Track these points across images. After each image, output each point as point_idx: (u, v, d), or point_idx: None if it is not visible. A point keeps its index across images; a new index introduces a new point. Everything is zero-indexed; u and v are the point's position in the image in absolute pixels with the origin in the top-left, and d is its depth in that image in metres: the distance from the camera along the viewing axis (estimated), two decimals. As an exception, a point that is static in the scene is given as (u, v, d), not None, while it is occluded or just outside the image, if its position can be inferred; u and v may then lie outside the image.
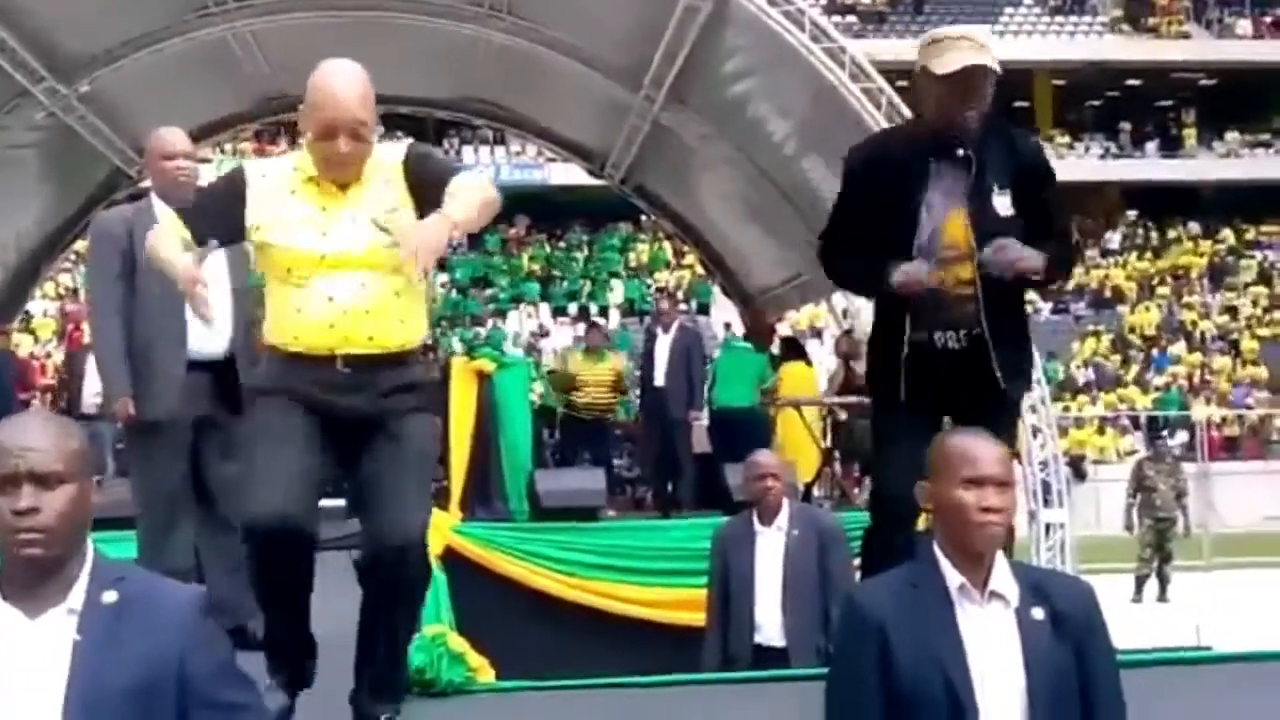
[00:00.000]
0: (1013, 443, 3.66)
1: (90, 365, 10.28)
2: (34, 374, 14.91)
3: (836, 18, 23.81)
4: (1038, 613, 2.34)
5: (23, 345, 18.79)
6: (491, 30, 10.33)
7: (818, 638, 4.73)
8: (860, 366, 10.63)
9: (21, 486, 1.91)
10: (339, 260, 3.20)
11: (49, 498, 1.92)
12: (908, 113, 8.98)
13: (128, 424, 4.50)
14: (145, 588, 2.03)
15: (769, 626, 4.93)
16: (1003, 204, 3.43)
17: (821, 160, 9.95)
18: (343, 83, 3.20)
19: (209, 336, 4.12)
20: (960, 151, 3.41)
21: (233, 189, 3.33)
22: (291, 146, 27.25)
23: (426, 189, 3.25)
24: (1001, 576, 2.37)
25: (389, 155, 3.36)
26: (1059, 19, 30.09)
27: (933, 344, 3.43)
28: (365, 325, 3.19)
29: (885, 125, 8.92)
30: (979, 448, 2.40)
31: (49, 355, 20.14)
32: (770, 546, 4.97)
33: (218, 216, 3.33)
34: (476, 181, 3.34)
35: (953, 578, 2.35)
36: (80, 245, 18.91)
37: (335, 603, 3.57)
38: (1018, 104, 30.98)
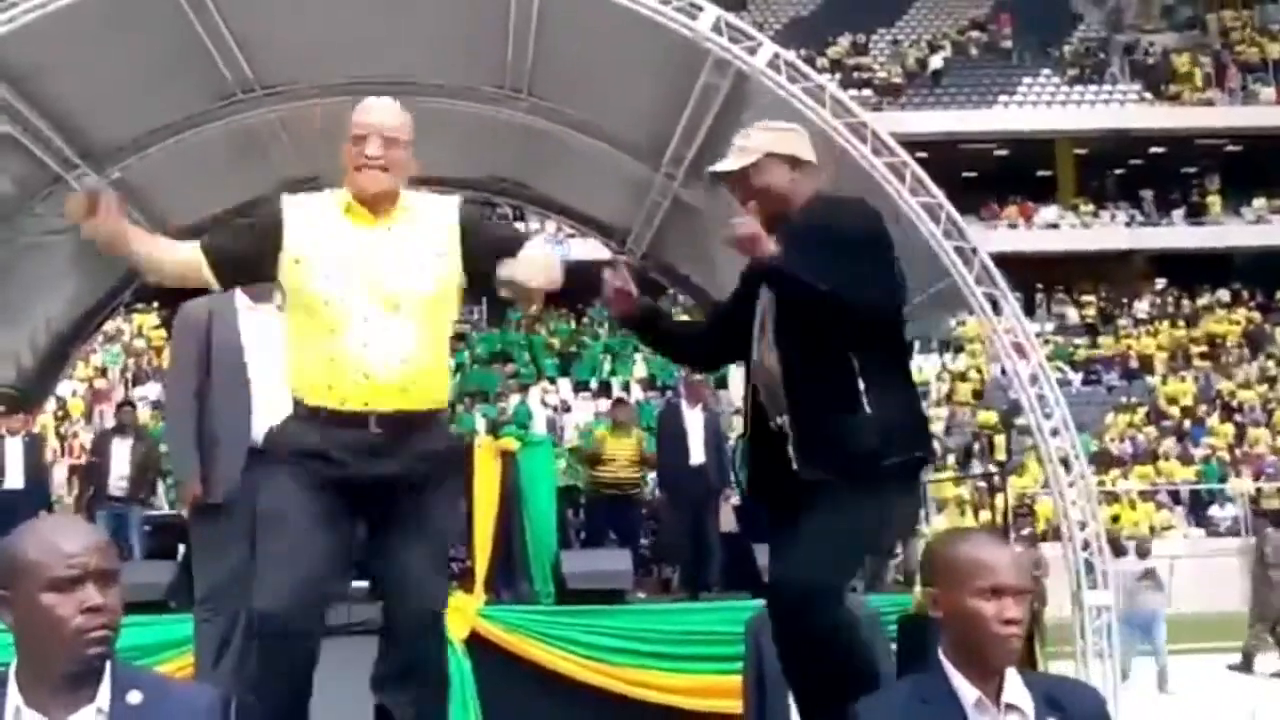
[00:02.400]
0: (844, 536, 3.32)
1: (117, 448, 10.35)
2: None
3: (852, 91, 24.04)
4: None
5: (49, 427, 18.87)
6: (512, 110, 10.44)
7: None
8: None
9: (87, 586, 1.96)
10: (380, 300, 3.14)
11: (109, 596, 1.99)
12: (932, 186, 9.04)
13: (194, 506, 4.58)
14: (165, 689, 2.06)
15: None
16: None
17: (845, 235, 9.95)
18: (378, 101, 3.46)
19: (273, 419, 4.13)
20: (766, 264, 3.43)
21: (270, 220, 3.29)
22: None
23: (481, 243, 3.23)
24: (1015, 687, 2.28)
25: (442, 202, 3.38)
26: (1079, 88, 30.22)
27: (768, 428, 3.47)
28: (400, 377, 3.12)
29: (909, 199, 8.94)
30: (996, 554, 2.29)
31: (76, 435, 20.21)
32: None
33: (252, 245, 3.28)
34: (552, 252, 3.38)
35: (967, 692, 2.25)
36: (109, 326, 19.10)
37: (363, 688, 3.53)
38: (1040, 173, 31.07)
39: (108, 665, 2.01)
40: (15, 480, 9.42)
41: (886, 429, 3.28)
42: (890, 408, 3.31)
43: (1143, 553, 13.12)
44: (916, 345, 25.28)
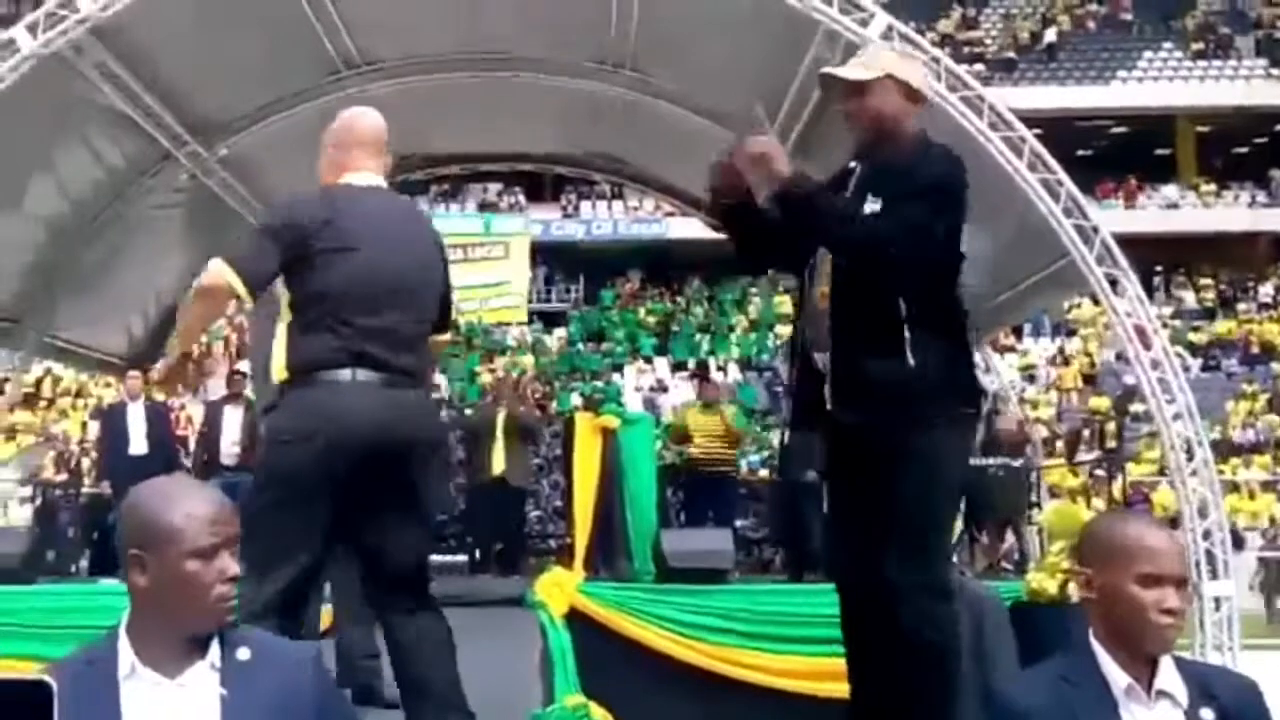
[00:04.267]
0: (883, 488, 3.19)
1: (228, 416, 10.51)
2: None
3: (963, 66, 23.44)
4: (1207, 714, 2.14)
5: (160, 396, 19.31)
6: (612, 85, 10.34)
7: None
8: (1002, 423, 10.28)
9: (224, 554, 2.05)
10: None
11: (237, 561, 2.09)
12: (1051, 162, 8.72)
13: None
14: (270, 644, 2.14)
15: None
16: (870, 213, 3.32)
17: (956, 211, 9.67)
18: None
19: None
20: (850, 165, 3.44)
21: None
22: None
23: None
24: (1168, 674, 2.17)
25: None
26: (1201, 63, 29.11)
27: (812, 366, 3.41)
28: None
29: (1027, 175, 8.63)
30: (1160, 540, 2.18)
31: (184, 407, 20.70)
32: None
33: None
34: None
35: (1117, 676, 2.15)
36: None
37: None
38: (1159, 151, 30.05)
39: None
40: (140, 446, 9.53)
41: (928, 382, 3.16)
42: (935, 362, 3.18)
43: (1239, 543, 12.57)
44: (1027, 329, 24.69)
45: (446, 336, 3.73)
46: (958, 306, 3.32)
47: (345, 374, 3.32)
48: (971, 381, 3.34)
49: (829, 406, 3.27)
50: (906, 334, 3.15)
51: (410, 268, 3.44)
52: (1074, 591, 7.08)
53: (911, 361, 3.14)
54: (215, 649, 2.04)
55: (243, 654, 2.05)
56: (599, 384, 23.13)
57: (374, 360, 3.33)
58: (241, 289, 3.37)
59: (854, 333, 3.25)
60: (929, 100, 3.47)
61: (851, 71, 3.42)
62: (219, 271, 3.37)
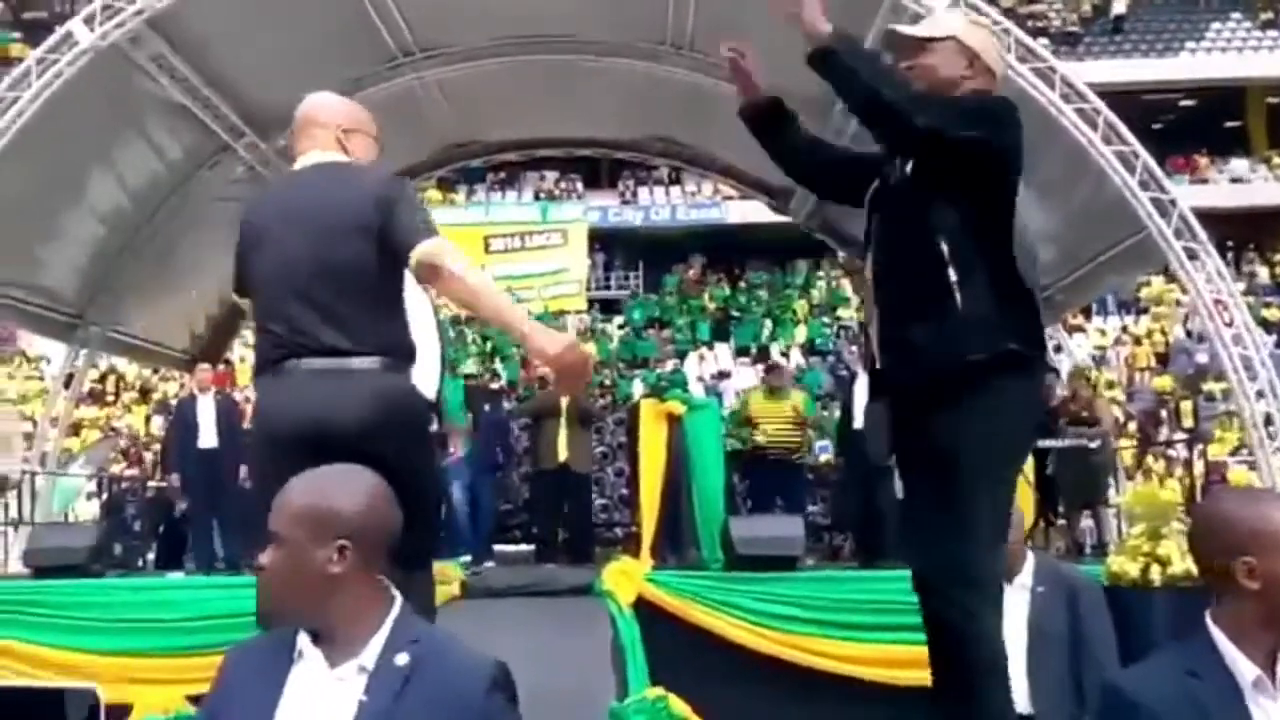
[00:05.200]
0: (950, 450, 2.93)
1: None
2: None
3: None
4: None
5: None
6: (672, 67, 10.17)
7: (1070, 707, 4.20)
8: (1073, 406, 9.99)
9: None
10: None
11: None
12: (1127, 134, 8.44)
13: None
14: (440, 652, 1.99)
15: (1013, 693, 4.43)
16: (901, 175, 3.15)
17: (1027, 186, 9.35)
18: None
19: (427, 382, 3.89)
20: None
21: None
22: (470, 194, 28.06)
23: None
24: None
25: None
26: (1271, 33, 28.31)
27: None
28: None
29: (1101, 147, 8.37)
30: None
31: (248, 400, 20.89)
32: (1012, 605, 4.32)
33: None
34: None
35: (1245, 668, 2.03)
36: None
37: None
38: (1229, 124, 29.30)
39: (389, 618, 1.98)
40: (210, 439, 9.51)
41: (981, 322, 2.92)
42: (987, 301, 2.93)
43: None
44: (1094, 306, 24.17)
45: (433, 259, 3.09)
46: (1008, 248, 3.00)
47: (272, 370, 3.17)
48: (1032, 322, 3.00)
49: (880, 369, 3.10)
50: (952, 275, 2.94)
51: (317, 239, 3.14)
52: (1155, 577, 6.86)
53: (960, 302, 2.93)
54: (374, 648, 1.95)
55: (401, 659, 1.94)
56: (663, 370, 22.96)
57: (297, 349, 3.12)
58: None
59: (899, 286, 3.08)
60: (998, 74, 3.22)
61: (915, 28, 3.27)
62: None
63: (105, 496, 11.80)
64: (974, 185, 3.00)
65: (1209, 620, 2.10)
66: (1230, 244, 26.87)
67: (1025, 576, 4.45)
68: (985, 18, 8.31)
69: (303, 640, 1.99)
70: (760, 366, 20.93)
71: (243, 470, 9.63)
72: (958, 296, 2.94)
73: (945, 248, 2.97)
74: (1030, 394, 3.08)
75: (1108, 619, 4.45)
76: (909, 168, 3.15)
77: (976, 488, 2.92)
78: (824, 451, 12.07)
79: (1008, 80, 8.22)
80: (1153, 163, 8.49)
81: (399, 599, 2.03)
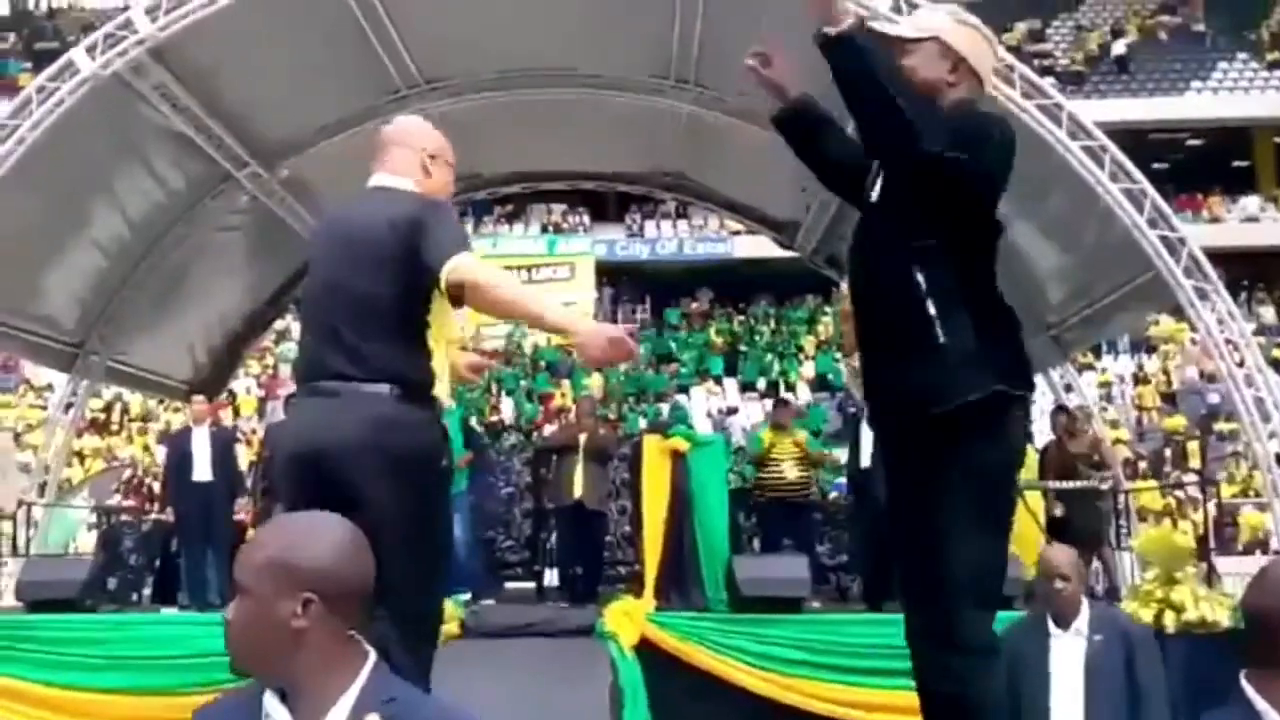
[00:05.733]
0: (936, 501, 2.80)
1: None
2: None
3: (1034, 80, 22.95)
4: None
5: (225, 420, 19.43)
6: (676, 101, 10.13)
7: (1127, 757, 4.10)
8: (1076, 446, 9.87)
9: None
10: None
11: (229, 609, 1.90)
12: (1135, 172, 8.35)
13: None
14: (415, 713, 1.86)
15: None
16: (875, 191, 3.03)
17: (1034, 225, 9.32)
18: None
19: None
20: None
21: None
22: (477, 227, 28.04)
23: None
24: None
25: None
26: (1277, 73, 28.35)
27: None
28: None
29: (1109, 185, 8.28)
30: None
31: (254, 431, 20.79)
32: (1068, 653, 4.36)
33: None
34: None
35: None
36: (280, 324, 19.59)
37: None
38: (1236, 164, 29.28)
39: (360, 676, 1.85)
40: (205, 473, 9.37)
41: (969, 366, 2.74)
42: (974, 336, 2.76)
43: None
44: (1103, 346, 24.03)
45: (462, 275, 3.08)
46: (992, 279, 2.87)
47: (297, 393, 3.31)
48: (1017, 354, 2.85)
49: (867, 416, 2.97)
50: (931, 309, 2.76)
51: (347, 265, 3.18)
52: (1169, 623, 6.71)
53: (941, 338, 2.75)
54: (343, 708, 1.83)
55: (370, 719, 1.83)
56: (663, 405, 22.84)
57: (313, 373, 3.18)
58: None
59: (879, 320, 2.91)
60: (985, 81, 3.02)
61: (894, 27, 3.06)
62: None
63: (103, 528, 11.67)
64: (955, 208, 2.82)
65: (1247, 685, 1.98)
66: (1242, 283, 26.81)
67: (1081, 624, 4.39)
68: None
69: (269, 701, 1.87)
70: (767, 402, 20.83)
71: (238, 503, 9.52)
72: (939, 332, 2.76)
73: (921, 277, 2.80)
74: (1015, 434, 2.88)
75: (1162, 669, 4.35)
76: (879, 186, 2.99)
77: (965, 539, 2.77)
78: (837, 490, 11.91)
79: (1014, 117, 8.15)
80: (1161, 201, 8.40)
81: (372, 655, 1.90)
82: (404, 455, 3.06)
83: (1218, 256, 8.72)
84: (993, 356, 2.78)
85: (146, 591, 9.94)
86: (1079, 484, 9.29)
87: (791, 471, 9.56)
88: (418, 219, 3.13)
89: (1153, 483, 16.55)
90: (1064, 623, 4.40)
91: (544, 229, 28.76)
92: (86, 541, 13.57)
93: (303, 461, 3.08)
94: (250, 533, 8.42)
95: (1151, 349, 25.67)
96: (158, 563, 10.04)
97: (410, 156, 3.36)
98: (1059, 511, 9.39)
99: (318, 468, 3.03)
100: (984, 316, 2.81)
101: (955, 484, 2.77)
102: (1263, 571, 2.08)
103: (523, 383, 24.58)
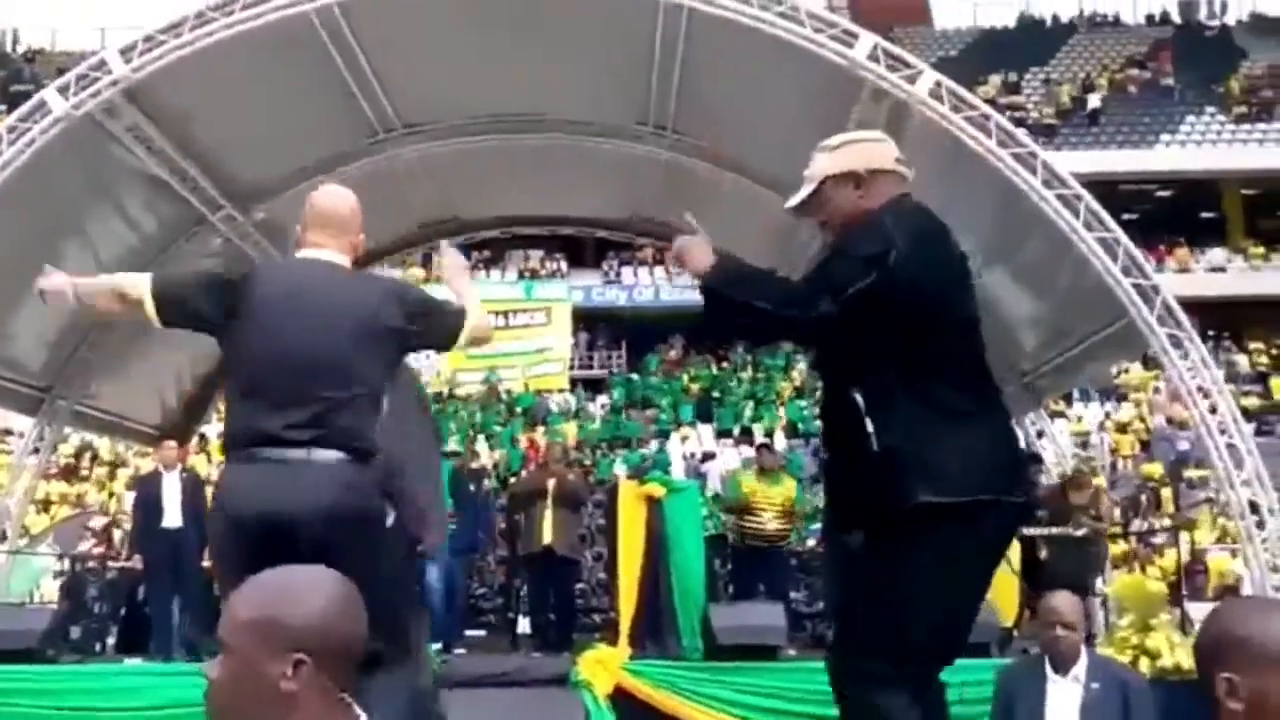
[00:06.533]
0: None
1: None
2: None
3: (1006, 131, 23.18)
4: None
5: (199, 467, 19.19)
6: (654, 147, 10.16)
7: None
8: (1078, 498, 9.84)
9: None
10: None
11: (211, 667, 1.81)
12: (1109, 220, 8.41)
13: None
14: None
15: None
16: None
17: (1008, 273, 9.37)
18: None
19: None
20: None
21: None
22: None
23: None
24: None
25: None
26: (1245, 127, 28.80)
27: None
28: None
29: (1083, 233, 8.33)
30: None
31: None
32: (1064, 699, 4.44)
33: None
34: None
35: None
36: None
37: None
38: (1205, 215, 29.65)
39: None
40: (174, 519, 9.17)
41: (903, 465, 2.87)
42: (908, 440, 2.89)
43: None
44: (1075, 393, 24.14)
45: (473, 335, 3.57)
46: (928, 373, 2.96)
47: (240, 453, 3.32)
48: (962, 461, 2.92)
49: (833, 528, 3.20)
50: (869, 425, 2.92)
51: (317, 337, 3.30)
52: (1144, 669, 6.68)
53: (876, 450, 2.90)
54: None
55: None
56: (645, 451, 22.76)
57: (266, 436, 3.24)
58: (150, 311, 3.38)
59: (830, 439, 3.15)
60: (890, 168, 3.16)
61: (796, 197, 3.25)
62: (138, 284, 3.40)
63: (67, 577, 11.47)
64: (876, 328, 2.93)
65: None
66: (1210, 333, 27.05)
67: (1079, 670, 4.45)
68: (961, 103, 8.34)
69: None
70: (743, 448, 20.76)
71: (208, 551, 9.35)
72: (874, 445, 2.90)
73: (860, 397, 2.95)
74: (954, 543, 2.90)
75: (1155, 718, 4.36)
76: None
77: (881, 640, 2.91)
78: (812, 536, 11.86)
79: (981, 163, 8.21)
80: (1134, 249, 8.46)
81: (364, 718, 1.80)
82: (367, 517, 3.27)
83: (1186, 306, 8.77)
84: (929, 469, 2.87)
85: (111, 641, 9.75)
86: (1066, 531, 9.28)
87: (773, 523, 9.51)
88: (402, 295, 3.48)
89: (1132, 525, 16.57)
90: (1063, 669, 4.45)
91: (521, 274, 28.77)
92: (52, 589, 13.33)
93: (266, 524, 3.13)
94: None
95: (1122, 397, 25.83)
96: (123, 611, 9.86)
97: (345, 242, 3.54)
98: (1044, 554, 9.37)
99: (284, 533, 3.09)
100: (920, 429, 2.91)
101: (880, 590, 2.95)
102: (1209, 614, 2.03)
103: (498, 428, 24.46)
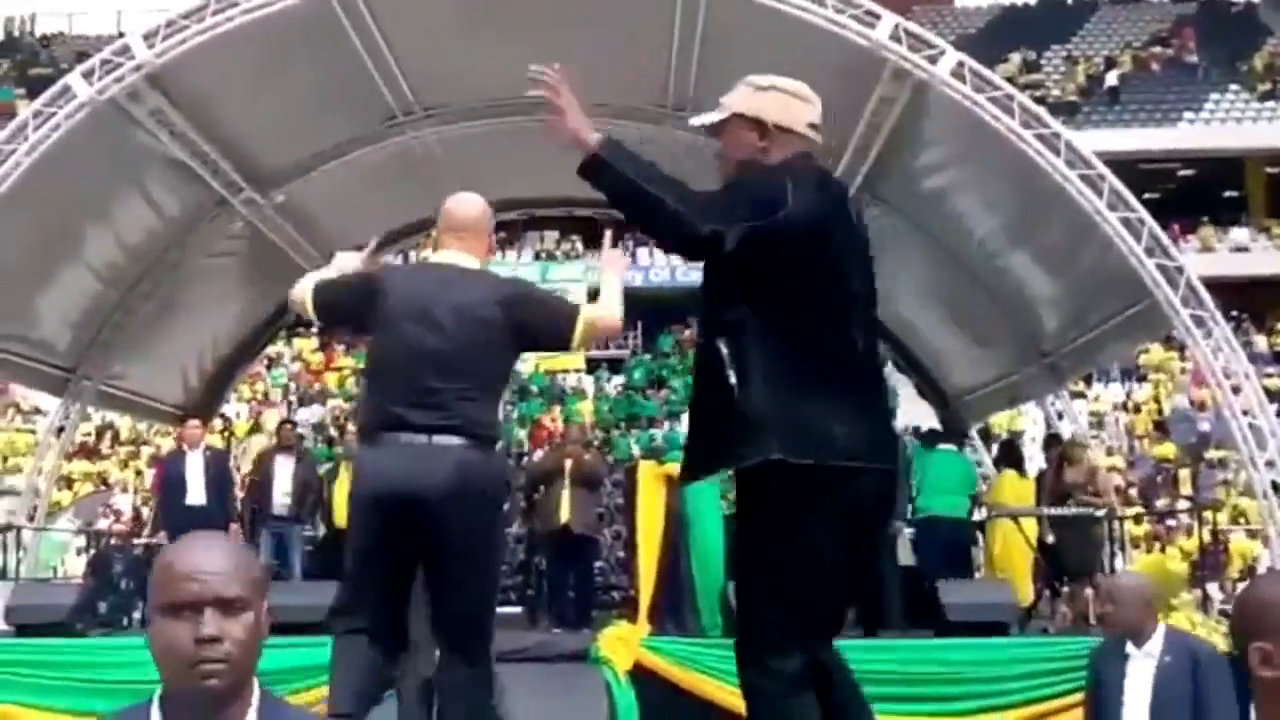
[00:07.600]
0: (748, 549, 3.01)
1: (280, 467, 10.37)
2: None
3: (1026, 110, 23.03)
4: None
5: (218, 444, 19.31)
6: (673, 129, 10.14)
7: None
8: (1073, 475, 9.85)
9: (204, 613, 1.77)
10: None
11: (230, 625, 1.79)
12: (1132, 200, 8.37)
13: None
14: None
15: None
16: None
17: (1030, 254, 9.35)
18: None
19: None
20: None
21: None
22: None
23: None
24: None
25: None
26: (1270, 104, 28.53)
27: None
28: None
29: (1107, 214, 8.29)
30: None
31: (245, 451, 20.68)
32: (1140, 672, 4.59)
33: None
34: None
35: None
36: (271, 350, 19.55)
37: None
38: (1228, 194, 29.42)
39: (255, 698, 1.83)
40: (198, 496, 9.27)
41: (759, 421, 2.84)
42: (769, 398, 2.85)
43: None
44: (1095, 374, 24.06)
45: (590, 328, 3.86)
46: (800, 340, 2.92)
47: (373, 437, 3.72)
48: (822, 429, 2.86)
49: (684, 472, 3.20)
50: (731, 378, 2.90)
51: (445, 335, 3.69)
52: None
53: (736, 405, 2.88)
54: None
55: None
56: (657, 432, 22.79)
57: (404, 423, 3.63)
58: (310, 311, 3.88)
59: (698, 385, 3.10)
60: (801, 130, 3.09)
61: (704, 117, 3.20)
62: (303, 288, 3.87)
63: (92, 553, 11.60)
64: (750, 278, 2.91)
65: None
66: (1232, 314, 26.86)
67: (1154, 645, 4.56)
68: (984, 83, 8.30)
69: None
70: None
71: (232, 528, 9.46)
72: (735, 399, 2.87)
73: (725, 350, 2.92)
74: (807, 506, 2.88)
75: (1230, 689, 4.39)
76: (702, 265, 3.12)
77: (753, 596, 2.97)
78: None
79: (1004, 143, 8.16)
80: (1159, 229, 8.42)
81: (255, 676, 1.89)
82: (483, 495, 3.68)
83: (1209, 286, 8.72)
84: (785, 427, 2.84)
85: (137, 615, 9.87)
86: (1073, 511, 9.27)
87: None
88: (520, 298, 3.86)
89: (1139, 510, 16.54)
90: (1138, 642, 4.59)
91: (537, 255, 28.80)
92: (75, 565, 13.47)
93: (398, 499, 3.58)
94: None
95: (1142, 377, 25.71)
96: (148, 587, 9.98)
97: (480, 245, 4.01)
98: (1050, 539, 9.36)
99: (413, 506, 3.57)
100: (781, 388, 2.87)
101: (745, 546, 3.02)
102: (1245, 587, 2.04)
103: (507, 406, 24.54)
